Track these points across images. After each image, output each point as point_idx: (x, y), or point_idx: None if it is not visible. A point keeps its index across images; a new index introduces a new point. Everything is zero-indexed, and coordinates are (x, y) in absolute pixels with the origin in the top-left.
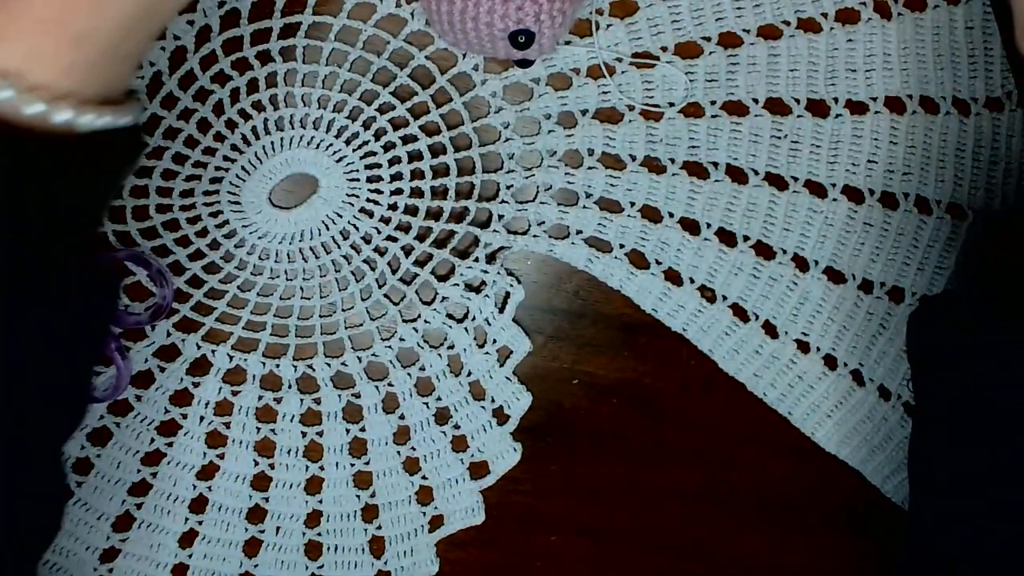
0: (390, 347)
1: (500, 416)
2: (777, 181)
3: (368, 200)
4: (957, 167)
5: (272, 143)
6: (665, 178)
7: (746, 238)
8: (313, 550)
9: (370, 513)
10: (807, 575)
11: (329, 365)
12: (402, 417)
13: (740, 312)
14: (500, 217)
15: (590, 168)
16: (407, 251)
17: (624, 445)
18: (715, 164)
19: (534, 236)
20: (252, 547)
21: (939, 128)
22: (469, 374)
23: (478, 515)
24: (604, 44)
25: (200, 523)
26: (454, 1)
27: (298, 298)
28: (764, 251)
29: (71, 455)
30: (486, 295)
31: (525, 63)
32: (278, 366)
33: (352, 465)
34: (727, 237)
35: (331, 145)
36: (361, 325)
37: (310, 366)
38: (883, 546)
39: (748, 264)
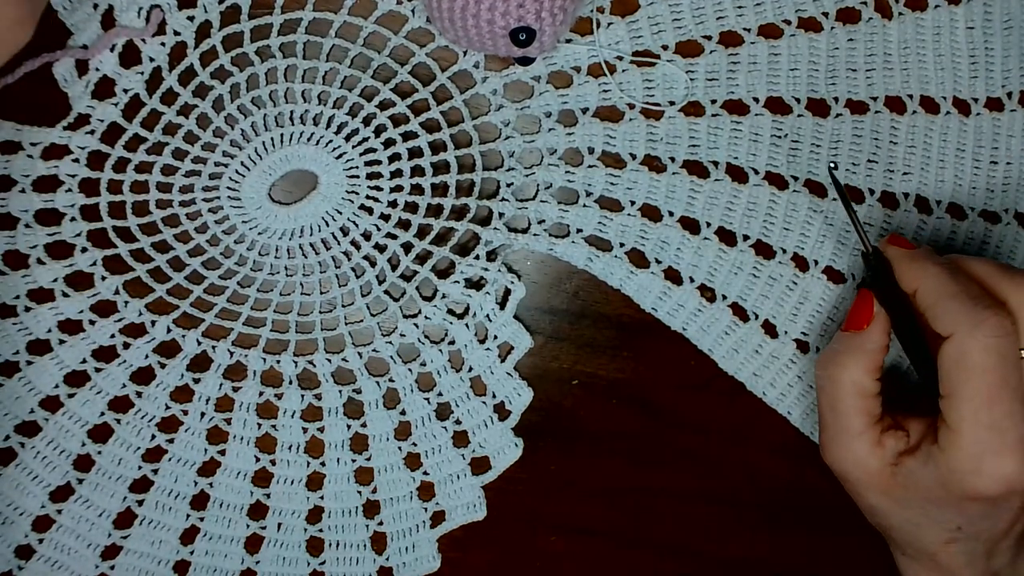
0: (391, 343)
1: (501, 412)
2: (777, 180)
3: (368, 197)
4: (957, 167)
5: (272, 139)
6: (665, 177)
7: (746, 237)
8: (315, 546)
9: (372, 509)
10: (806, 575)
11: (330, 361)
12: (403, 413)
13: (740, 311)
14: (500, 215)
15: (590, 166)
16: (407, 248)
17: (623, 445)
18: (715, 163)
19: (534, 234)
20: (254, 543)
21: (939, 128)
22: (470, 370)
23: (480, 511)
24: (605, 42)
25: (201, 519)
26: None
27: (298, 294)
28: (764, 250)
29: (72, 452)
30: (487, 291)
31: (526, 61)
32: (279, 362)
33: (353, 461)
34: (727, 236)
35: (331, 141)
36: (361, 321)
37: (311, 362)
38: (883, 546)
39: (748, 263)
